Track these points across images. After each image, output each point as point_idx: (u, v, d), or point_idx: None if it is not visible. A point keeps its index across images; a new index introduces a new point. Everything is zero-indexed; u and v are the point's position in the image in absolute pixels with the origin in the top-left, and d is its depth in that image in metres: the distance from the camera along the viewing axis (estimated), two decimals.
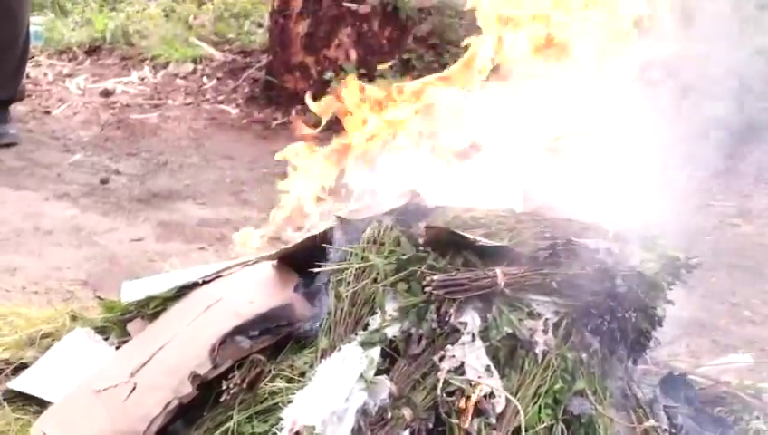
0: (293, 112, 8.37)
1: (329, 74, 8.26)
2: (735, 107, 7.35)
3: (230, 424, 3.72)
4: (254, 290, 4.08)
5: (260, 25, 9.82)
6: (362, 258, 3.82)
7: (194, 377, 3.78)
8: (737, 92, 7.62)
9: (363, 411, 3.53)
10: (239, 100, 8.74)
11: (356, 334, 3.68)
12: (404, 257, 3.72)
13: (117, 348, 4.30)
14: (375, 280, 3.74)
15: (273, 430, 3.61)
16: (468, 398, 3.50)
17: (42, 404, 4.10)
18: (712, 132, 6.31)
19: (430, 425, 3.59)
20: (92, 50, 9.75)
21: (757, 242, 6.51)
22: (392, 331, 3.64)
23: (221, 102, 8.72)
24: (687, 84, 7.34)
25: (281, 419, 3.56)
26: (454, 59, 8.20)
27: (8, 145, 7.50)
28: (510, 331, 3.61)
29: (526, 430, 3.51)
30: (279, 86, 8.59)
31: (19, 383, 4.19)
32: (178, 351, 3.91)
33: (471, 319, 3.60)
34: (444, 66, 8.17)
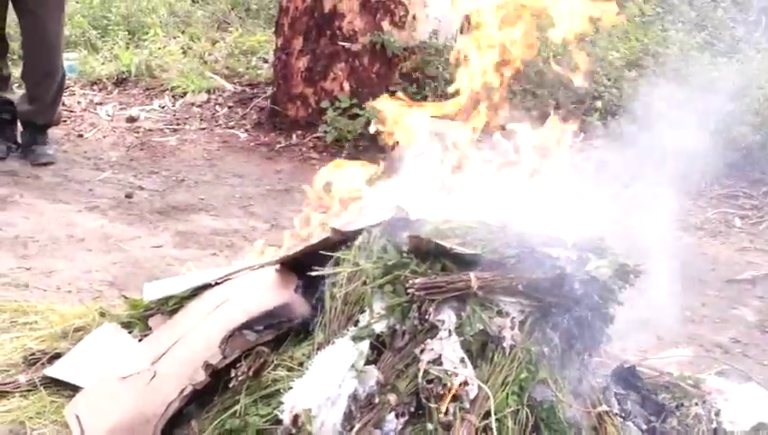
0: (295, 137, 8.37)
1: (325, 103, 8.26)
2: (675, 133, 7.37)
3: (238, 407, 3.72)
4: (259, 291, 4.08)
5: (265, 61, 9.82)
6: (353, 263, 3.82)
7: (206, 366, 3.78)
8: (678, 118, 7.65)
9: (354, 397, 3.53)
10: (247, 125, 8.73)
11: (348, 330, 3.69)
12: (390, 263, 3.72)
13: (140, 340, 4.29)
14: (364, 283, 3.74)
15: (276, 412, 3.61)
16: (445, 385, 3.51)
17: (74, 389, 4.08)
18: (655, 155, 6.33)
19: (412, 409, 3.60)
20: (120, 81, 9.74)
21: (697, 252, 6.52)
22: (379, 327, 3.65)
23: (231, 128, 8.71)
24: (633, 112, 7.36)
25: (282, 403, 3.57)
26: (433, 92, 8.25)
27: (46, 164, 7.48)
28: (481, 327, 3.62)
29: (495, 414, 3.52)
30: (282, 114, 8.58)
31: (54, 371, 4.18)
32: (193, 343, 3.91)
33: (448, 317, 3.60)
34: (425, 97, 8.19)
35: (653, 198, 6.13)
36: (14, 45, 8.36)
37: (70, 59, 9.26)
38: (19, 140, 7.65)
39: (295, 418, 3.51)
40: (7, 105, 7.53)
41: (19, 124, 7.66)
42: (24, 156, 7.59)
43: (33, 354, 4.33)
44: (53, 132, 7.90)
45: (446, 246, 3.69)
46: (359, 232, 3.94)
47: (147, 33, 10.54)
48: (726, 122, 7.83)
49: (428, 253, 3.72)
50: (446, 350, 3.57)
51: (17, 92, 7.74)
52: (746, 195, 7.49)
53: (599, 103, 8.40)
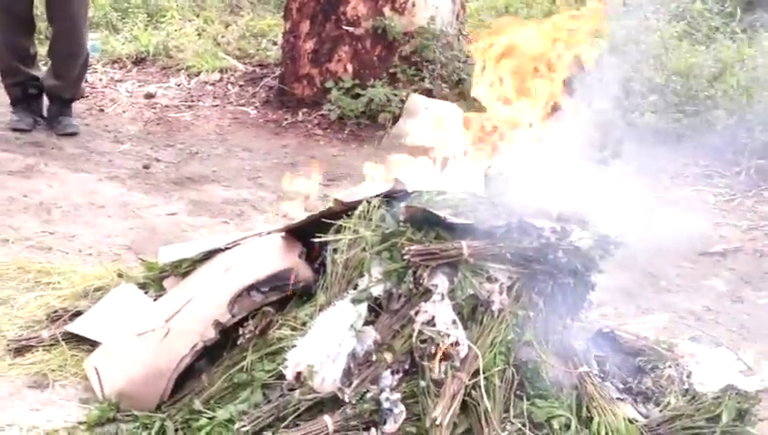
0: (300, 115, 8.36)
1: (329, 84, 8.26)
2: (654, 115, 7.38)
3: (245, 363, 3.73)
4: (266, 255, 4.08)
5: (275, 43, 9.80)
6: (354, 231, 3.83)
7: (216, 324, 3.79)
8: (657, 102, 7.66)
9: (353, 355, 3.55)
10: (257, 103, 8.71)
11: (348, 293, 3.70)
12: (387, 231, 3.73)
13: (155, 300, 4.30)
14: (364, 249, 3.75)
15: (280, 368, 3.62)
16: (438, 345, 3.52)
17: (93, 344, 4.10)
18: (635, 136, 6.33)
19: (407, 366, 3.61)
20: (138, 60, 9.72)
21: (673, 226, 6.52)
22: (377, 290, 3.66)
23: (242, 105, 8.69)
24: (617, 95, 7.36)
25: (286, 359, 3.58)
26: (430, 74, 8.24)
27: (71, 134, 7.52)
28: (472, 292, 3.63)
29: (484, 372, 3.53)
30: (289, 93, 8.57)
31: (75, 327, 4.19)
32: (204, 303, 3.92)
33: (441, 282, 3.61)
34: (422, 79, 8.19)
35: (632, 177, 6.15)
36: (41, 25, 8.33)
37: (92, 39, 9.24)
38: (45, 113, 7.64)
39: (298, 374, 3.53)
40: (34, 81, 7.52)
41: (45, 98, 7.64)
42: (51, 127, 7.63)
43: (56, 312, 4.35)
44: (77, 106, 7.88)
45: (439, 216, 3.69)
46: (359, 202, 3.94)
47: (164, 16, 10.53)
48: (704, 106, 7.84)
49: (423, 222, 3.72)
50: (439, 312, 3.58)
51: (43, 69, 7.74)
52: (720, 174, 7.50)
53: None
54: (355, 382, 3.51)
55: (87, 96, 8.42)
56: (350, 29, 8.33)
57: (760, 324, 5.13)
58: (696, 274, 5.72)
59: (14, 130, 7.40)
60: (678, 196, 7.08)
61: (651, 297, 5.31)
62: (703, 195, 7.15)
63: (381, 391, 3.52)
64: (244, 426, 3.48)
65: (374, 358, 3.56)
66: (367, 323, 3.61)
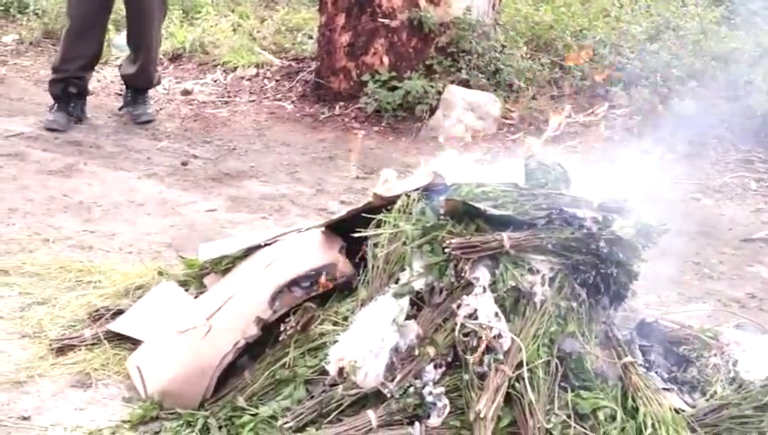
0: (337, 108, 8.36)
1: (366, 77, 8.24)
2: (694, 102, 7.33)
3: (287, 359, 3.74)
4: (306, 251, 4.08)
5: (310, 37, 9.79)
6: (394, 225, 3.82)
7: (258, 320, 3.80)
8: (696, 88, 7.60)
9: (395, 349, 3.54)
10: (293, 98, 8.71)
11: (389, 287, 3.70)
12: (428, 225, 3.72)
13: (195, 297, 4.31)
14: (404, 243, 3.75)
15: (322, 363, 3.62)
16: (480, 338, 3.51)
17: (135, 343, 4.11)
18: (675, 123, 6.29)
19: (449, 360, 3.61)
20: (175, 57, 9.74)
21: (715, 213, 6.48)
22: (418, 284, 3.66)
23: (279, 100, 8.70)
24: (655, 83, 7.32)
25: (328, 355, 3.58)
26: (467, 64, 8.22)
27: (147, 122, 7.78)
28: (514, 284, 3.62)
29: (527, 365, 3.51)
30: (326, 86, 8.56)
31: (116, 326, 4.21)
32: (245, 299, 3.92)
33: (482, 274, 3.61)
34: (459, 70, 8.16)
35: (673, 164, 6.11)
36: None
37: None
38: (84, 114, 7.71)
39: (341, 369, 3.52)
40: (77, 80, 7.55)
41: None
42: (127, 115, 7.84)
43: (98, 311, 4.37)
44: (111, 103, 7.94)
45: (479, 209, 3.68)
46: (398, 196, 3.93)
47: (199, 12, 10.53)
48: (744, 91, 7.78)
49: (463, 215, 3.71)
50: (481, 305, 3.57)
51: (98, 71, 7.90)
52: (761, 160, 7.43)
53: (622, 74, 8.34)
54: (398, 377, 3.51)
55: (162, 84, 8.50)
56: (386, 21, 8.30)
57: None
58: (739, 261, 5.68)
59: (48, 129, 7.45)
60: (720, 182, 7.03)
61: (695, 285, 5.27)
62: (744, 181, 7.09)
63: (425, 385, 3.51)
64: (287, 422, 3.49)
65: (417, 352, 3.56)
66: (409, 317, 3.61)
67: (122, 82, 8.10)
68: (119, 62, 8.42)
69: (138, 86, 7.87)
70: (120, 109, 7.98)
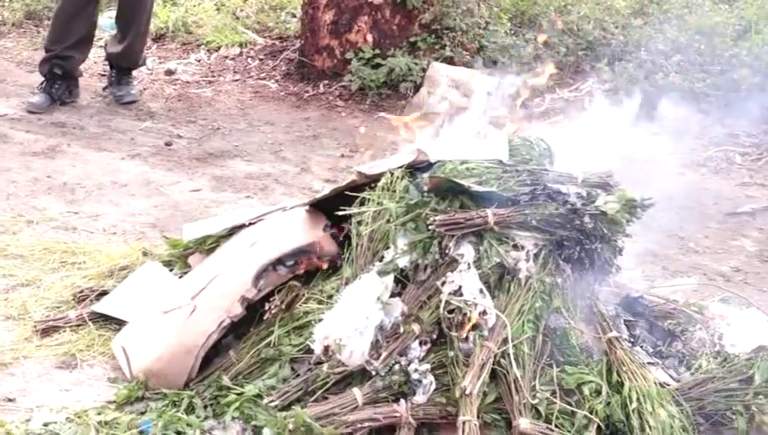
0: (321, 86, 8.34)
1: (349, 54, 8.22)
2: (678, 76, 7.33)
3: (272, 338, 3.75)
4: (290, 230, 4.08)
5: (294, 15, 9.75)
6: (378, 203, 3.82)
7: (242, 300, 3.80)
8: (681, 62, 7.60)
9: (380, 327, 3.56)
10: (277, 76, 8.69)
11: (373, 265, 3.70)
12: (412, 202, 3.73)
13: (180, 277, 4.30)
14: (388, 221, 3.75)
15: (307, 342, 3.63)
16: (465, 315, 3.52)
17: (120, 323, 4.11)
18: (660, 97, 6.28)
19: (435, 337, 3.61)
20: (158, 37, 9.69)
21: (700, 187, 6.49)
22: (403, 261, 3.66)
23: (263, 79, 8.67)
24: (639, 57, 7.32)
25: (313, 333, 3.58)
26: (451, 41, 8.20)
27: (130, 102, 7.73)
28: (498, 260, 3.62)
29: (512, 341, 3.52)
30: (310, 65, 8.54)
31: (101, 306, 4.20)
32: (230, 279, 3.92)
33: (467, 251, 3.61)
34: (443, 47, 8.15)
35: (658, 138, 6.11)
36: None
37: (110, 17, 9.23)
38: (67, 97, 7.65)
39: (326, 347, 3.53)
40: (62, 60, 7.47)
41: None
42: (111, 95, 7.80)
43: (82, 292, 4.36)
44: (95, 83, 7.92)
45: (463, 185, 3.68)
46: (382, 174, 3.93)
47: None
48: (728, 65, 7.78)
49: (447, 191, 3.71)
50: (466, 282, 3.57)
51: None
52: (746, 133, 7.43)
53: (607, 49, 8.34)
54: (383, 355, 3.52)
55: (146, 65, 8.45)
56: None
57: None
58: (725, 234, 5.69)
59: (28, 112, 7.40)
60: (704, 156, 7.03)
61: (680, 260, 5.28)
62: (729, 155, 7.10)
63: (410, 362, 3.53)
64: (272, 401, 3.51)
65: (402, 330, 3.57)
66: (393, 295, 3.62)
67: (106, 62, 8.05)
68: (102, 42, 8.35)
69: (123, 66, 7.81)
70: (105, 89, 7.93)
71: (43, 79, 7.58)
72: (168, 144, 6.90)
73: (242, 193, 6.02)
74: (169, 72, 8.77)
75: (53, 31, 7.51)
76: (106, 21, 8.98)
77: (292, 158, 6.76)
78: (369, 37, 8.30)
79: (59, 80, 7.54)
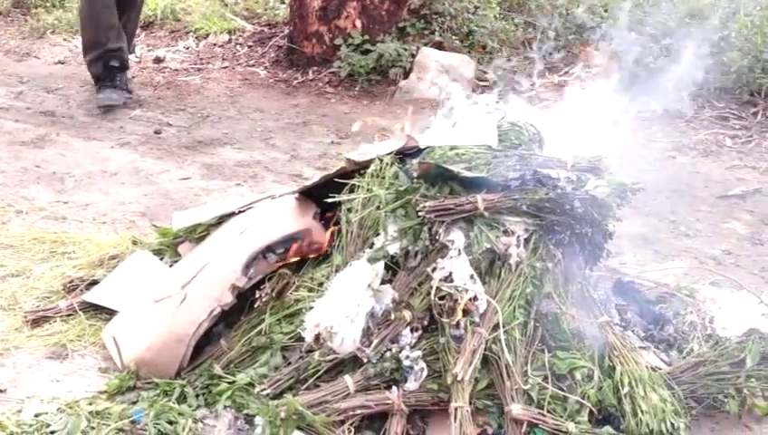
0: (311, 73, 8.32)
1: (338, 40, 8.20)
2: (668, 59, 7.32)
3: (263, 326, 3.74)
4: (280, 217, 4.08)
5: (282, 2, 9.73)
6: (367, 190, 3.82)
7: (233, 288, 3.80)
8: (671, 45, 7.59)
9: (371, 314, 3.55)
10: (266, 63, 8.67)
11: (364, 252, 3.70)
12: (401, 188, 3.72)
13: (170, 266, 4.30)
14: (378, 207, 3.75)
15: (298, 330, 3.62)
16: (456, 301, 3.51)
17: (110, 313, 4.11)
18: (650, 81, 6.27)
19: (426, 323, 3.61)
20: (147, 25, 9.67)
21: (690, 171, 6.49)
22: (393, 248, 3.66)
23: (252, 66, 8.65)
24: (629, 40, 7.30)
25: (304, 321, 3.58)
26: (440, 27, 8.19)
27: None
28: (489, 246, 3.61)
29: (503, 326, 3.52)
30: (299, 51, 8.52)
31: (91, 296, 4.20)
32: (220, 267, 3.91)
33: (457, 237, 3.60)
34: (432, 32, 8.14)
35: (648, 122, 6.11)
36: None
37: None
38: (129, 84, 7.59)
39: (317, 335, 3.53)
40: (113, 52, 7.39)
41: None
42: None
43: (72, 282, 4.35)
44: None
45: (453, 171, 3.67)
46: (371, 161, 3.92)
47: None
48: (718, 48, 7.77)
49: (437, 177, 3.70)
50: (456, 268, 3.56)
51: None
52: (736, 116, 7.43)
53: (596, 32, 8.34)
54: (375, 342, 3.51)
55: (135, 53, 8.41)
56: None
57: None
58: (716, 217, 5.68)
59: (102, 107, 7.28)
60: (695, 139, 7.03)
61: (671, 243, 5.28)
62: (719, 138, 7.10)
63: (401, 349, 3.52)
64: (264, 389, 3.50)
65: (393, 316, 3.56)
66: (384, 281, 3.61)
67: None
68: None
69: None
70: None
71: (96, 81, 7.49)
72: (157, 132, 6.89)
73: (232, 181, 6.01)
74: (158, 60, 8.75)
75: (91, 33, 7.39)
76: None
77: (281, 145, 6.75)
78: (358, 23, 8.28)
79: (119, 72, 7.45)
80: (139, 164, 6.24)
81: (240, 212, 4.29)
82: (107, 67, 7.41)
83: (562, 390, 3.52)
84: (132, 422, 3.42)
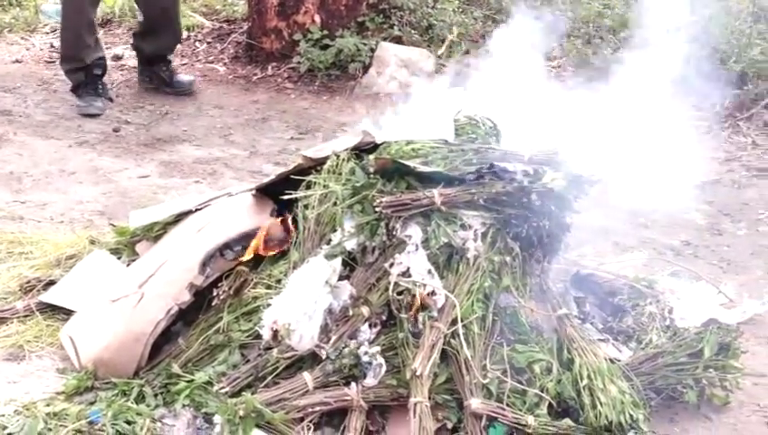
0: (270, 69, 8.30)
1: (297, 36, 8.18)
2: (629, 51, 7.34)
3: (221, 324, 3.73)
4: (237, 215, 4.07)
5: None
6: (324, 186, 3.81)
7: (190, 286, 3.78)
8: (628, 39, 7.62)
9: (329, 310, 3.54)
10: (225, 60, 8.64)
11: (321, 248, 3.69)
12: (358, 184, 3.72)
13: (127, 265, 4.28)
14: (335, 203, 3.74)
15: (256, 328, 3.61)
16: (414, 296, 3.51)
17: (68, 313, 4.08)
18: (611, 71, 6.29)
19: (384, 319, 3.60)
20: (105, 22, 9.61)
21: (650, 162, 6.50)
22: (350, 244, 3.65)
23: (211, 62, 8.62)
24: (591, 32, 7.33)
25: (262, 318, 3.57)
26: (399, 21, 8.19)
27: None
28: (446, 240, 3.61)
29: (462, 320, 3.52)
30: (258, 47, 8.49)
31: (49, 296, 4.17)
32: (177, 265, 3.90)
33: (414, 232, 3.60)
34: (392, 26, 8.13)
35: (606, 113, 6.12)
36: None
37: (56, 2, 9.15)
38: (110, 93, 7.55)
39: (275, 332, 3.52)
40: (98, 60, 7.37)
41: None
42: (169, 91, 7.76)
43: (29, 282, 4.33)
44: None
45: (409, 166, 3.67)
46: (328, 157, 3.91)
47: None
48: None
49: (393, 173, 3.70)
50: (414, 263, 3.56)
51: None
52: (695, 107, 7.45)
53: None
54: (333, 338, 3.51)
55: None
56: None
57: (740, 257, 5.13)
58: (674, 208, 5.70)
59: (85, 115, 7.18)
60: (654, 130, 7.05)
61: (629, 234, 5.29)
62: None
63: (360, 345, 3.52)
64: (223, 387, 3.49)
65: (351, 313, 3.56)
66: (342, 277, 3.61)
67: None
68: (48, 29, 8.23)
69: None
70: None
71: (75, 85, 7.39)
72: (115, 130, 6.85)
73: (190, 178, 5.99)
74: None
75: (71, 42, 7.29)
76: (51, 7, 8.93)
77: (241, 141, 6.73)
78: (317, 18, 8.25)
79: (100, 79, 7.39)
80: (97, 163, 6.21)
81: (197, 210, 4.27)
82: (89, 75, 7.34)
83: (521, 383, 3.52)
84: (90, 423, 3.40)
